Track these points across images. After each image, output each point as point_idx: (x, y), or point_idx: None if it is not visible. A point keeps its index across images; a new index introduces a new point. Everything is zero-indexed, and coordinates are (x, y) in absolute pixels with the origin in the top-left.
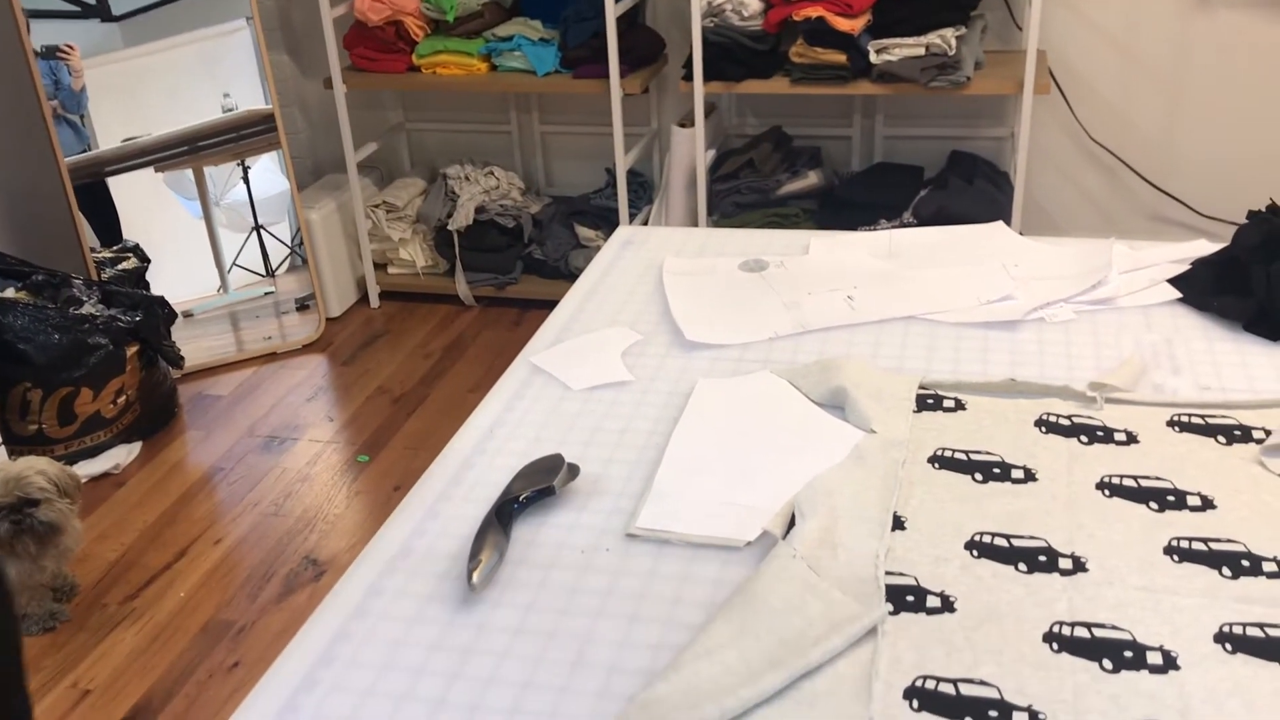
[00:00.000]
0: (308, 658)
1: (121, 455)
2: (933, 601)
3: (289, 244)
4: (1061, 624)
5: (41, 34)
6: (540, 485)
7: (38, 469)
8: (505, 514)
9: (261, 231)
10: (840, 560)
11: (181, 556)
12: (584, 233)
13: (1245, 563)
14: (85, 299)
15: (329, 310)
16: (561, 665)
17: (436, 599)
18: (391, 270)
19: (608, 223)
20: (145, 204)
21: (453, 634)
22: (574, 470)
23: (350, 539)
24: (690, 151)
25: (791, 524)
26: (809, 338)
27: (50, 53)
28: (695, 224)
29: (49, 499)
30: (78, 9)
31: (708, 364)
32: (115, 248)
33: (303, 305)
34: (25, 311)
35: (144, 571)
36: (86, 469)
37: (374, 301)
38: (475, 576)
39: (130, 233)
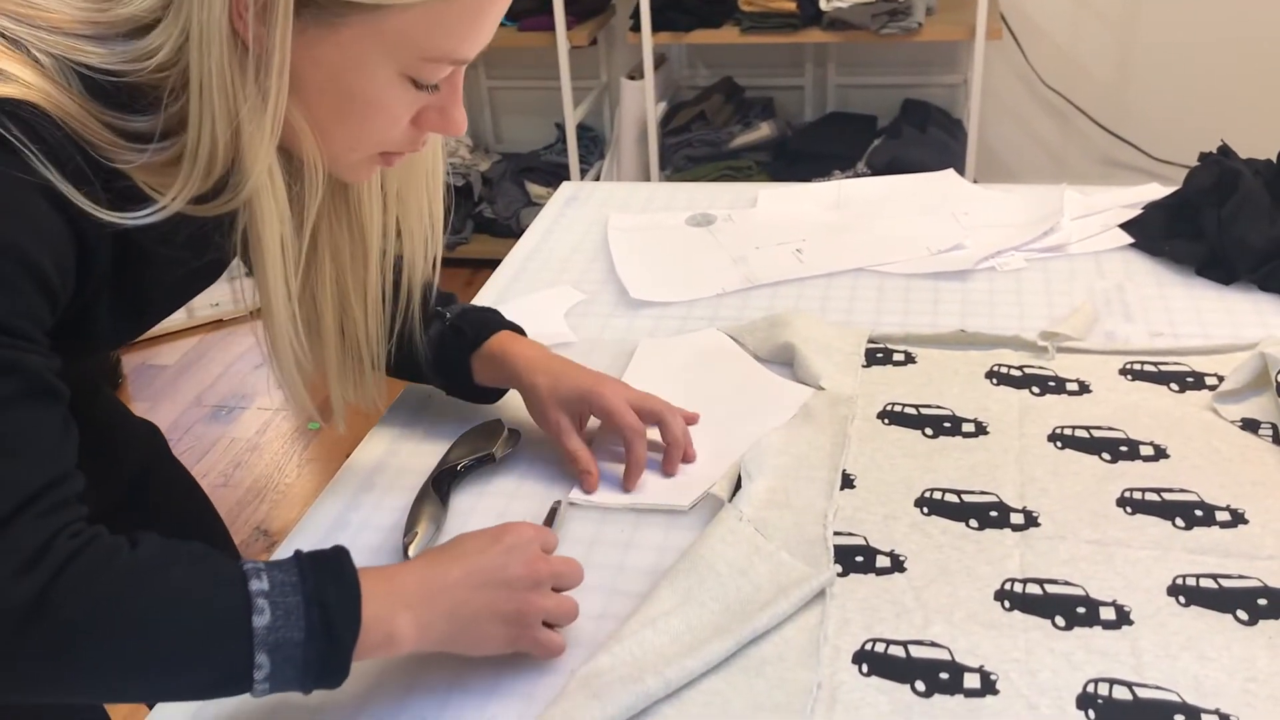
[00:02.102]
0: None
1: None
2: (882, 561)
3: None
4: (1013, 581)
5: None
6: (480, 453)
7: None
8: (443, 483)
9: None
10: (788, 521)
11: None
12: (535, 190)
13: (1198, 512)
14: None
15: None
16: None
17: None
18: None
19: (559, 179)
20: None
21: None
22: (515, 436)
23: (301, 509)
24: (640, 105)
25: (738, 486)
26: (757, 293)
27: None
28: (647, 178)
29: None
30: None
31: (653, 322)
32: None
33: (249, 271)
34: None
35: None
36: None
37: None
38: (411, 550)
39: None
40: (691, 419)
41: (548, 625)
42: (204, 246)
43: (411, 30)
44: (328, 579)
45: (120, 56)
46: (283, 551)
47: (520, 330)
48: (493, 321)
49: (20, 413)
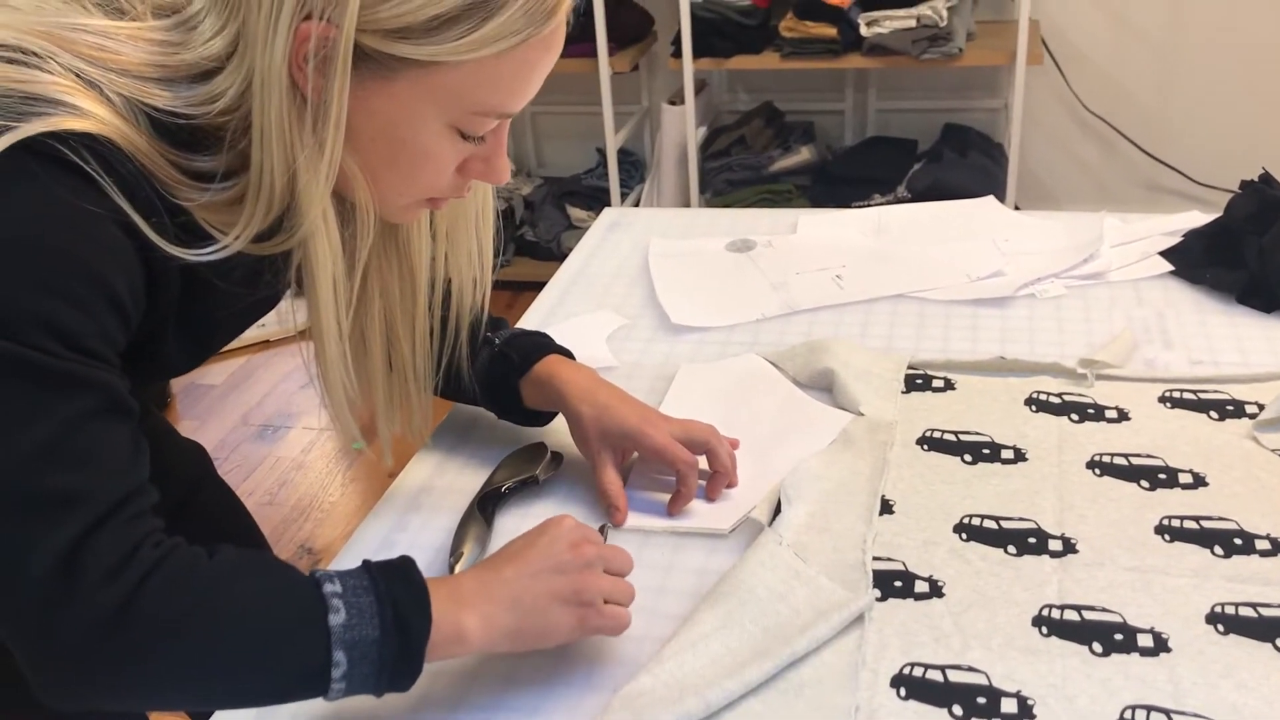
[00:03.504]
0: None
1: None
2: (921, 587)
3: None
4: (1051, 607)
5: None
6: (523, 475)
7: None
8: (488, 505)
9: None
10: (827, 546)
11: None
12: (576, 213)
13: (1237, 541)
14: None
15: None
16: (544, 659)
17: None
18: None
19: (600, 203)
20: None
21: None
22: (558, 459)
23: (346, 527)
24: (681, 129)
25: (778, 510)
26: (796, 318)
27: None
28: (687, 202)
29: None
30: None
31: (694, 347)
32: None
33: (297, 292)
34: None
35: None
36: None
37: None
38: (457, 569)
39: None
40: (733, 444)
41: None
42: (257, 282)
43: (461, 85)
44: (397, 581)
45: (185, 100)
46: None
47: (569, 354)
48: (541, 346)
49: (102, 427)
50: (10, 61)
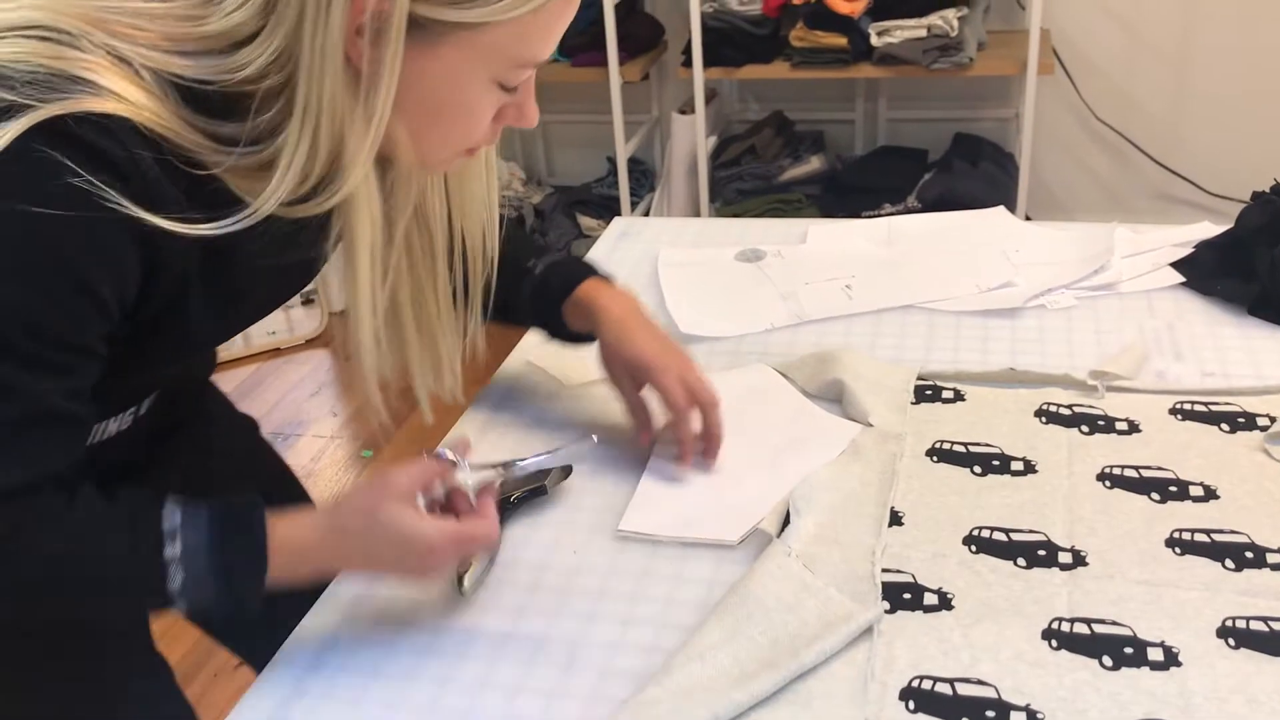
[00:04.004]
0: (297, 665)
1: None
2: (930, 599)
3: None
4: (1060, 620)
5: None
6: (532, 485)
7: None
8: (497, 514)
9: None
10: (836, 558)
11: None
12: (586, 222)
13: (1249, 554)
14: None
15: (333, 304)
16: (553, 669)
17: (427, 603)
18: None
19: (610, 212)
20: None
21: (443, 639)
22: (566, 469)
23: None
24: (691, 139)
25: (786, 521)
26: (806, 328)
27: None
28: (697, 212)
29: None
30: None
31: (703, 357)
32: None
33: (307, 299)
34: None
35: None
36: None
37: None
38: (465, 580)
39: None
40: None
41: None
42: (289, 245)
43: (503, 42)
44: (236, 545)
45: (211, 69)
46: (338, 583)
47: (608, 278)
48: (579, 273)
49: (39, 419)
50: (46, 40)
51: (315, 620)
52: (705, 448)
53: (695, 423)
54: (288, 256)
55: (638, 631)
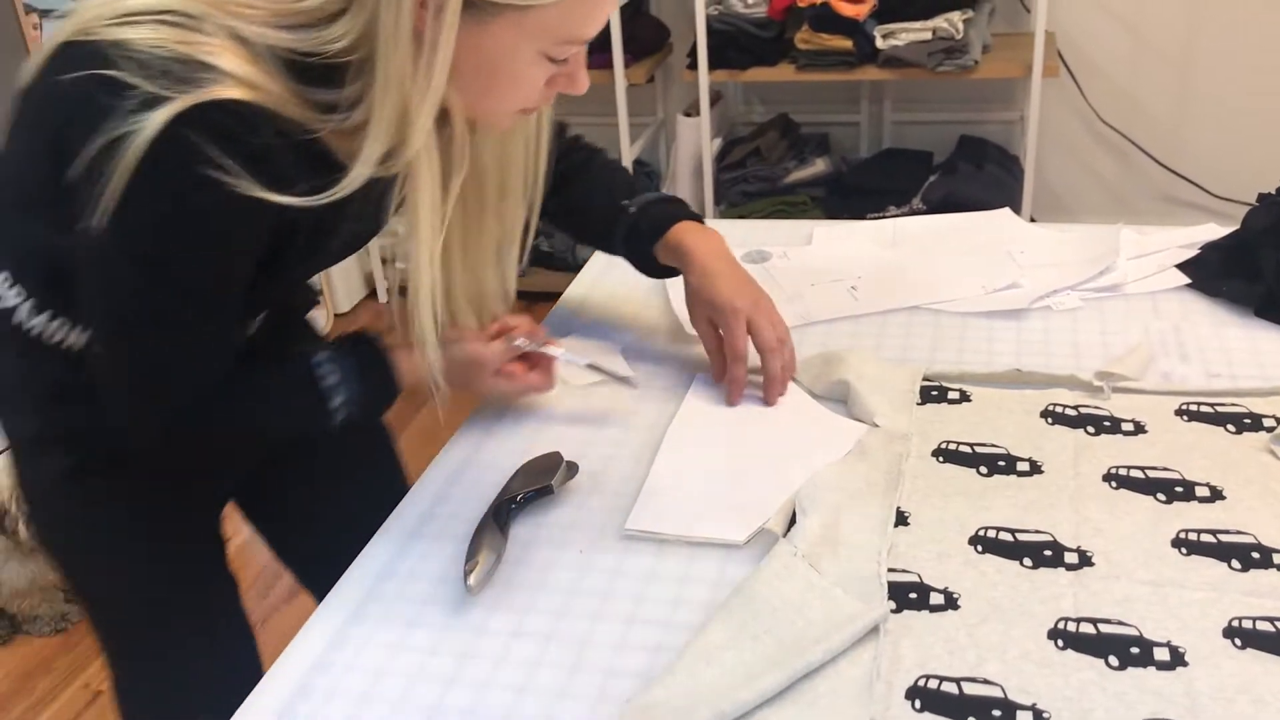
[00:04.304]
0: (303, 664)
1: None
2: (936, 599)
3: None
4: (1067, 620)
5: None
6: (538, 484)
7: None
8: (503, 514)
9: None
10: (842, 558)
11: None
12: None
13: (1255, 555)
14: None
15: (337, 305)
16: (559, 668)
17: (433, 602)
18: (400, 265)
19: None
20: None
21: (449, 638)
22: (573, 469)
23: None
24: (696, 141)
25: (793, 521)
26: (812, 330)
27: None
28: (703, 213)
29: None
30: None
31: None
32: None
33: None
34: None
35: None
36: None
37: (382, 296)
38: (472, 579)
39: None
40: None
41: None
42: (366, 201)
43: (549, 22)
44: (377, 379)
45: (312, 42)
46: (345, 581)
47: (698, 218)
48: (670, 216)
49: (213, 335)
50: (175, 25)
51: (321, 618)
52: (765, 390)
53: (774, 364)
54: (364, 211)
55: (644, 631)
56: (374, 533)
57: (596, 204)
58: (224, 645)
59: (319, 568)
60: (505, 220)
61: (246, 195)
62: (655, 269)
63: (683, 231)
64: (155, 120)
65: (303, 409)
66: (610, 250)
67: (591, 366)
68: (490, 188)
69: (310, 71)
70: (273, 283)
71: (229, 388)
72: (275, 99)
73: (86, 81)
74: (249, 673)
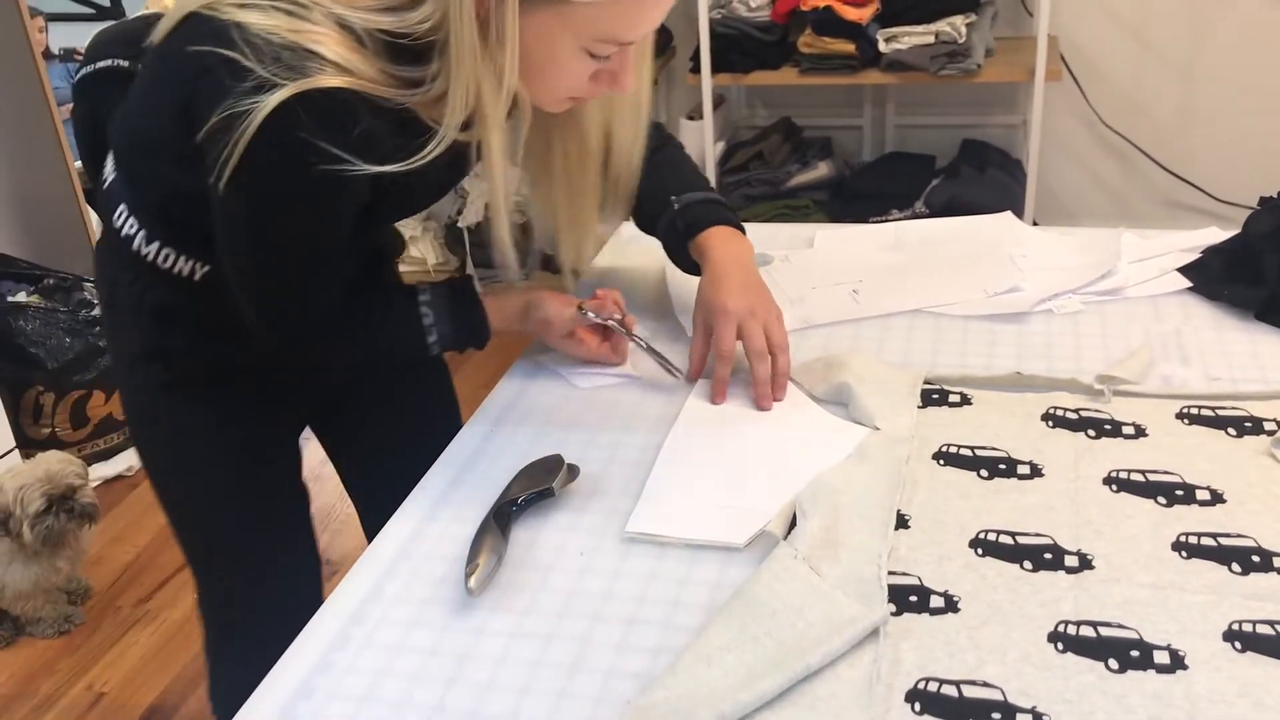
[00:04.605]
0: (304, 665)
1: (134, 457)
2: (936, 602)
3: None
4: (1067, 623)
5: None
6: (539, 487)
7: (57, 459)
8: (504, 516)
9: None
10: (842, 560)
11: None
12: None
13: (1255, 558)
14: (96, 302)
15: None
16: (559, 669)
17: (434, 603)
18: (402, 268)
19: None
20: None
21: (450, 639)
22: (574, 471)
23: (362, 538)
24: (699, 144)
25: (793, 524)
26: (813, 333)
27: (69, 55)
28: None
29: (84, 483)
30: (93, 11)
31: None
32: None
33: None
34: (37, 315)
35: (158, 573)
36: (100, 471)
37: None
38: (472, 580)
39: None
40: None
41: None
42: (450, 158)
43: (586, 20)
44: (469, 319)
45: (405, 24)
46: (346, 582)
47: (735, 224)
48: (705, 218)
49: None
50: (288, 13)
51: (323, 619)
52: (754, 394)
53: (759, 369)
54: (449, 163)
55: (644, 633)
56: (431, 459)
57: (648, 193)
58: (295, 554)
59: (377, 487)
60: (609, 178)
61: (343, 172)
62: (688, 265)
63: (711, 235)
64: (267, 104)
65: (403, 340)
66: (649, 232)
67: (649, 349)
68: (594, 146)
69: (403, 51)
70: (368, 228)
71: (340, 317)
72: (370, 80)
73: (210, 58)
74: (313, 583)
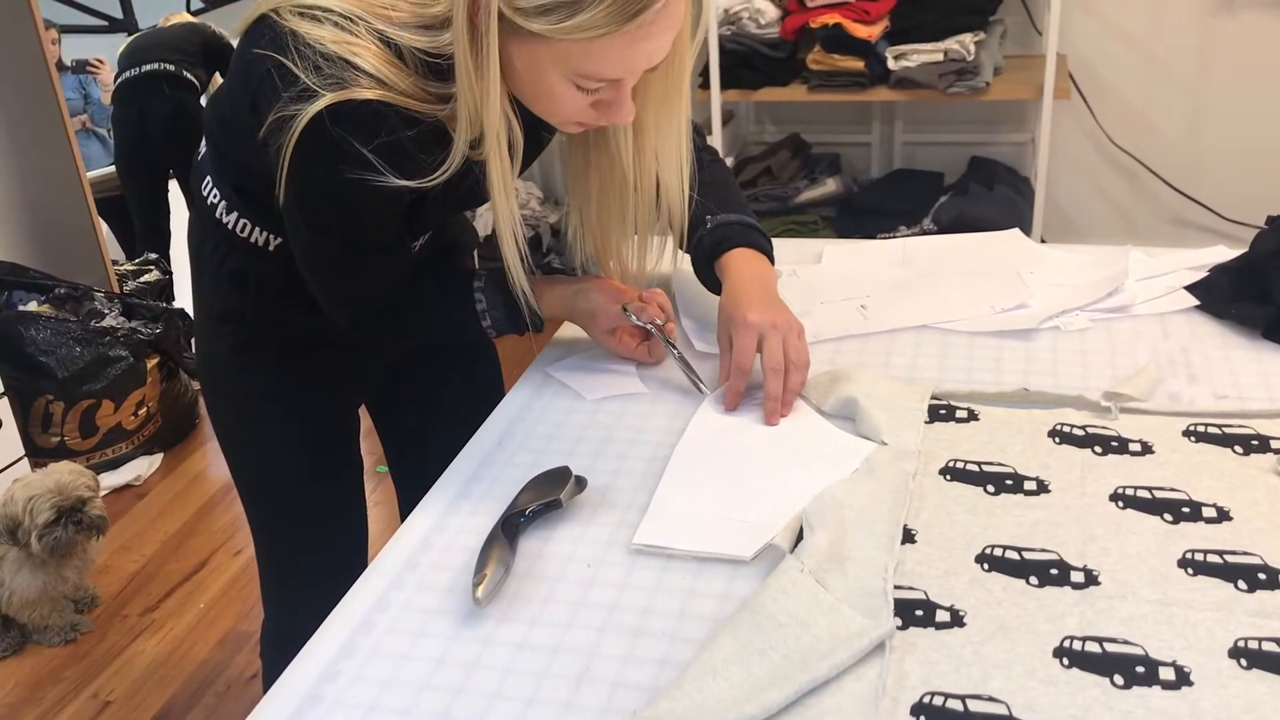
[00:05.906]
0: (312, 673)
1: (143, 467)
2: (942, 616)
3: None
4: (1072, 639)
5: (72, 49)
6: (547, 498)
7: (69, 470)
8: (511, 527)
9: None
10: (849, 574)
11: (202, 567)
12: None
13: (1261, 576)
14: (106, 312)
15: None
16: (566, 681)
17: (442, 613)
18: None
19: None
20: (175, 215)
21: (457, 649)
22: (581, 483)
23: (371, 549)
24: None
25: (800, 538)
26: (821, 347)
27: (80, 67)
28: None
29: (94, 495)
30: (105, 24)
31: (718, 374)
32: (137, 260)
33: None
34: (47, 324)
35: (165, 583)
36: (108, 481)
37: None
38: (480, 591)
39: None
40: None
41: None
42: (463, 179)
43: (564, 55)
44: (519, 311)
45: (439, 44)
46: (355, 591)
47: (760, 247)
48: (729, 239)
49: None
50: (336, 25)
51: (331, 628)
52: (765, 408)
53: (773, 383)
54: (466, 182)
55: (650, 644)
56: (474, 429)
57: (695, 208)
58: (348, 515)
59: (415, 470)
60: (659, 207)
61: (371, 180)
62: (712, 282)
63: (735, 255)
64: (307, 112)
65: (459, 321)
66: (685, 249)
67: (680, 359)
68: (627, 170)
69: (438, 69)
70: (421, 220)
71: (402, 296)
72: (404, 94)
73: (268, 61)
74: (361, 544)
